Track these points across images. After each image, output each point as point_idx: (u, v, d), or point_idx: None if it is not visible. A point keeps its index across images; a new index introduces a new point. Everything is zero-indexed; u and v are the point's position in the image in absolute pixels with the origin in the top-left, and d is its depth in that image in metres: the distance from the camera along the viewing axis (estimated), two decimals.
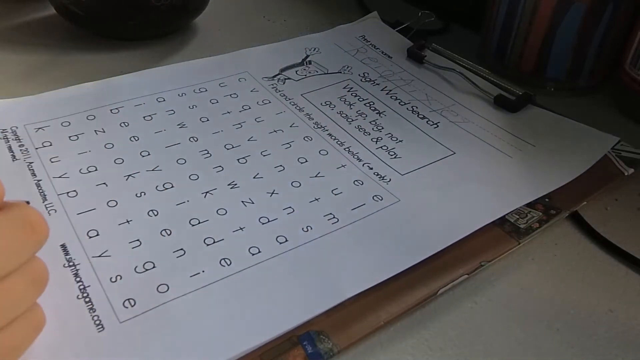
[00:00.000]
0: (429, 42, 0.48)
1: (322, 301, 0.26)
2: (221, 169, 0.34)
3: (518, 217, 0.32)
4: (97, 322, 0.24)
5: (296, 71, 0.44)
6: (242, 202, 0.31)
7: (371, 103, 0.41)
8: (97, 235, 0.29)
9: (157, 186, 0.32)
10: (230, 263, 0.28)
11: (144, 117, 0.37)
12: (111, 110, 0.38)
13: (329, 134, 0.37)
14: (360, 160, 0.35)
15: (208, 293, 0.26)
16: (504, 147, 0.37)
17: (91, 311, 0.25)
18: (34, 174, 0.32)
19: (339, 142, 0.36)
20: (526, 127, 0.39)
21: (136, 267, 0.27)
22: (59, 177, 0.32)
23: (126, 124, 0.37)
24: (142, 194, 0.31)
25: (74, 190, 0.31)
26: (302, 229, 0.30)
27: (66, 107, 0.37)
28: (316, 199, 0.32)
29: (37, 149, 0.34)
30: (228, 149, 0.35)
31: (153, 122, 0.37)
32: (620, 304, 0.28)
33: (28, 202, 0.27)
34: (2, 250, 0.21)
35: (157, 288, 0.26)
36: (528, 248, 0.31)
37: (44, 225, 0.22)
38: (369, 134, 0.37)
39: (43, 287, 0.23)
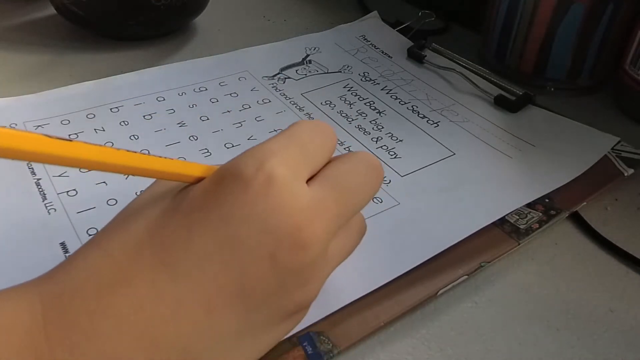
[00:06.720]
0: (429, 42, 0.48)
1: (321, 306, 0.26)
2: None
3: (518, 217, 0.32)
4: None
5: (296, 70, 0.44)
6: None
7: (371, 102, 0.41)
8: None
9: None
10: None
11: (143, 116, 0.37)
12: (111, 109, 0.38)
13: None
14: None
15: None
16: (504, 147, 0.37)
17: None
18: (33, 173, 0.32)
19: (338, 142, 0.36)
20: (526, 127, 0.39)
21: None
22: (59, 175, 0.32)
23: (126, 123, 0.37)
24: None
25: (74, 189, 0.31)
26: None
27: (66, 106, 0.37)
28: None
29: None
30: (228, 147, 0.35)
31: (153, 121, 0.37)
32: (620, 304, 0.28)
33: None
34: (362, 188, 0.24)
35: None
36: (528, 248, 0.31)
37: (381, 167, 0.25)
38: (369, 134, 0.37)
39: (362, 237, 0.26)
